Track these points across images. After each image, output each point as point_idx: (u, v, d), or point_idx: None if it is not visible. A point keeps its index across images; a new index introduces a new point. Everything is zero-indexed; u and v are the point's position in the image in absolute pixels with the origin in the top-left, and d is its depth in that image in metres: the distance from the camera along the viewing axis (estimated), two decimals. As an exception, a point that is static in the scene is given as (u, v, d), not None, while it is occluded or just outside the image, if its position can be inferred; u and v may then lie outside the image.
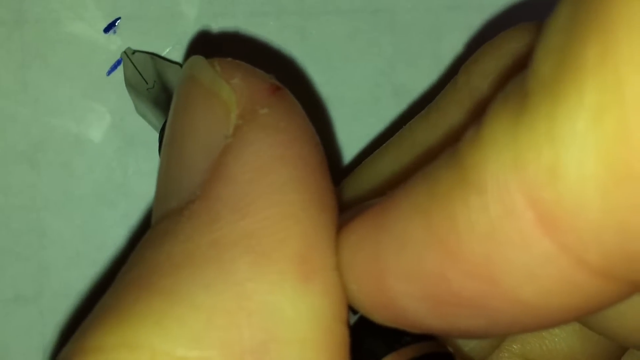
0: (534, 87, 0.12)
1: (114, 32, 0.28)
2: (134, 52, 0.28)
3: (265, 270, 0.14)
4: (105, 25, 0.28)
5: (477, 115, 0.13)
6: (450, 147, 0.14)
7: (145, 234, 0.16)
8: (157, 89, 0.27)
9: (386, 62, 0.29)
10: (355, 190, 0.22)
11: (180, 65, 0.28)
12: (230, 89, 0.16)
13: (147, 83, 0.27)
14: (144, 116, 0.28)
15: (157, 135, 0.28)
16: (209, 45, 0.29)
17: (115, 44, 0.28)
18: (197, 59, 0.17)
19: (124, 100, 0.28)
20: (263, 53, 0.29)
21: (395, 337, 0.18)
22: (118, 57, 0.28)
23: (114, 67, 0.28)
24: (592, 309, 0.13)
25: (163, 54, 0.29)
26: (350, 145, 0.29)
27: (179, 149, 0.17)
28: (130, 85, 0.28)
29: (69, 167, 0.28)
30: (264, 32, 0.29)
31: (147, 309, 0.14)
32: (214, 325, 0.14)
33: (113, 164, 0.28)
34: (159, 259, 0.15)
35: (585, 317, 0.13)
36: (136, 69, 0.27)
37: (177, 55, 0.29)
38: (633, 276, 0.12)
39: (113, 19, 0.28)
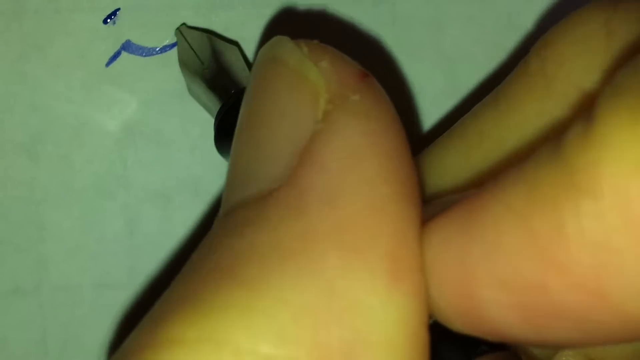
0: None
1: (114, 23, 0.28)
2: (188, 27, 0.27)
3: (357, 267, 0.14)
4: (104, 16, 0.28)
5: (574, 109, 0.12)
6: (549, 144, 0.13)
7: (218, 222, 0.15)
8: (213, 69, 0.26)
9: (387, 54, 0.29)
10: (425, 182, 0.20)
11: (238, 44, 0.27)
12: (318, 72, 0.15)
13: (202, 63, 0.26)
14: (197, 98, 0.27)
15: (156, 127, 0.28)
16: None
17: (115, 35, 0.28)
18: (282, 39, 0.16)
19: (124, 91, 0.28)
20: (263, 45, 0.29)
21: (471, 345, 0.17)
22: (117, 48, 0.28)
23: (113, 58, 0.28)
24: None
25: (162, 45, 0.28)
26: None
27: (260, 132, 0.16)
28: (184, 64, 0.26)
29: (68, 159, 0.28)
30: (264, 23, 0.29)
31: (231, 300, 0.13)
32: (302, 323, 0.13)
33: (112, 156, 0.28)
34: (242, 248, 0.14)
35: None
36: (191, 47, 0.26)
37: (176, 54, 0.28)
38: None
39: (112, 9, 0.28)
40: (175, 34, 0.27)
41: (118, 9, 0.28)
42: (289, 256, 0.14)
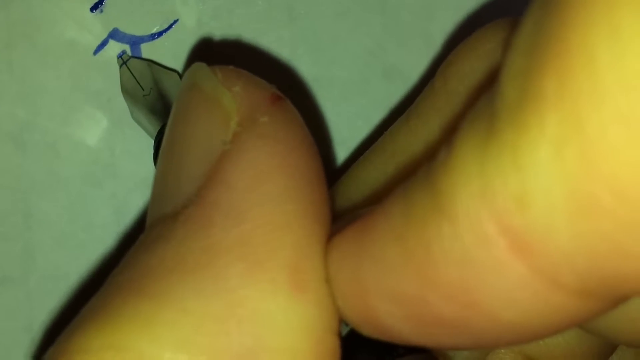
0: (500, 111, 0.12)
1: (101, 11, 0.28)
2: (130, 57, 0.28)
3: (258, 278, 0.14)
4: (92, 4, 0.28)
5: (453, 129, 0.13)
6: (426, 164, 0.13)
7: (139, 238, 0.16)
8: (153, 96, 0.27)
9: (376, 42, 0.29)
10: (344, 197, 0.22)
11: (177, 72, 0.28)
12: (231, 97, 0.16)
13: (143, 90, 0.27)
14: (139, 122, 0.28)
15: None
16: (195, 26, 0.29)
17: (102, 23, 0.28)
18: (199, 66, 0.17)
19: (111, 79, 0.28)
20: (251, 33, 0.29)
21: (388, 349, 0.18)
22: (105, 36, 0.28)
23: (101, 47, 0.28)
24: (574, 323, 0.13)
25: (150, 32, 0.28)
26: (339, 126, 0.29)
27: (177, 154, 0.17)
28: (126, 91, 0.27)
29: (55, 148, 0.28)
30: (252, 12, 0.29)
31: (136, 311, 0.14)
32: (204, 331, 0.14)
33: (100, 145, 0.28)
34: (151, 263, 0.15)
35: (570, 328, 0.13)
36: (132, 75, 0.27)
37: (165, 40, 0.28)
38: (610, 294, 0.12)
39: (99, -3, 0.28)
40: (118, 63, 0.28)
41: (105, -3, 0.28)
42: (193, 269, 0.15)
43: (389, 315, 0.14)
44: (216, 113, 0.16)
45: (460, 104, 0.19)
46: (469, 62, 0.19)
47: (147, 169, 0.28)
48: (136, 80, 0.27)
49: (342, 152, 0.29)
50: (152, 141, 0.28)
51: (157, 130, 0.26)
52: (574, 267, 0.12)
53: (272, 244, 0.15)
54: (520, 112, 0.11)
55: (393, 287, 0.14)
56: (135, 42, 0.28)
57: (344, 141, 0.29)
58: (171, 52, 0.28)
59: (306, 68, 0.29)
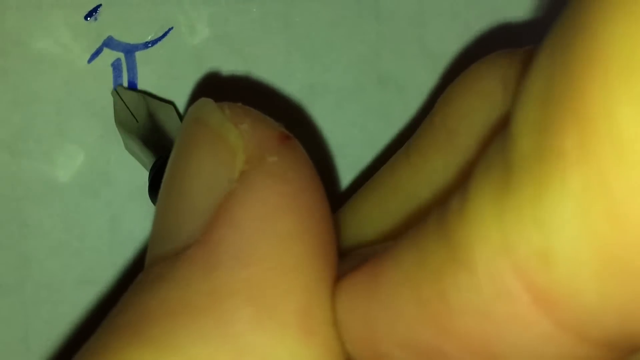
0: (515, 162, 0.12)
1: (95, 19, 0.28)
2: (124, 88, 0.27)
3: (267, 323, 0.14)
4: (86, 12, 0.28)
5: (462, 174, 0.12)
6: (437, 209, 0.13)
7: (138, 277, 0.16)
8: (147, 127, 0.27)
9: (370, 50, 0.29)
10: (344, 234, 0.21)
11: (173, 104, 0.28)
12: (238, 133, 0.16)
13: (137, 121, 0.27)
14: (132, 154, 0.28)
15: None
16: (190, 34, 0.28)
17: (96, 31, 0.28)
18: (206, 101, 0.17)
19: (106, 87, 0.28)
20: (246, 41, 0.29)
21: None
22: (99, 44, 0.28)
23: (95, 55, 0.28)
24: None
25: (144, 41, 0.28)
26: (334, 133, 0.29)
27: (180, 191, 0.16)
28: (119, 122, 0.27)
29: (50, 156, 0.28)
30: (247, 19, 0.29)
31: (140, 357, 0.14)
32: None
33: (95, 153, 0.28)
34: (152, 305, 0.14)
35: None
36: (126, 106, 0.27)
37: (159, 49, 0.28)
38: (635, 344, 0.12)
39: (94, 6, 0.28)
40: (112, 95, 0.28)
41: (99, 5, 0.28)
42: (198, 313, 0.14)
43: None
44: (222, 150, 0.16)
45: (463, 144, 0.18)
46: (467, 101, 0.18)
47: (142, 178, 0.28)
48: (130, 111, 0.27)
49: (337, 160, 0.29)
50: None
51: (151, 162, 0.26)
52: (601, 323, 0.11)
53: (282, 287, 0.14)
54: (540, 167, 0.11)
55: (407, 335, 0.13)
56: (129, 50, 0.28)
57: (340, 148, 0.29)
58: (166, 60, 0.28)
59: (301, 75, 0.29)
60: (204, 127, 0.16)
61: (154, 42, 0.28)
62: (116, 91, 0.27)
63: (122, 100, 0.27)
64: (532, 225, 0.11)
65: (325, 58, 0.29)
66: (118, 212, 0.28)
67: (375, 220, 0.20)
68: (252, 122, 0.16)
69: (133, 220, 0.28)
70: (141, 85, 0.28)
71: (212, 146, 0.16)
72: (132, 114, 0.27)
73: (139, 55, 0.28)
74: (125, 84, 0.28)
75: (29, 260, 0.28)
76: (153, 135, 0.26)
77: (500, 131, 0.13)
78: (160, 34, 0.28)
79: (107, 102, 0.28)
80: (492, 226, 0.12)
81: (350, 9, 0.29)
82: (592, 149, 0.10)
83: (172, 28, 0.28)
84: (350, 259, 0.16)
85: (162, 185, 0.17)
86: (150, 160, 0.26)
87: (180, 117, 0.28)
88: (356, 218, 0.21)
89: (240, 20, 0.29)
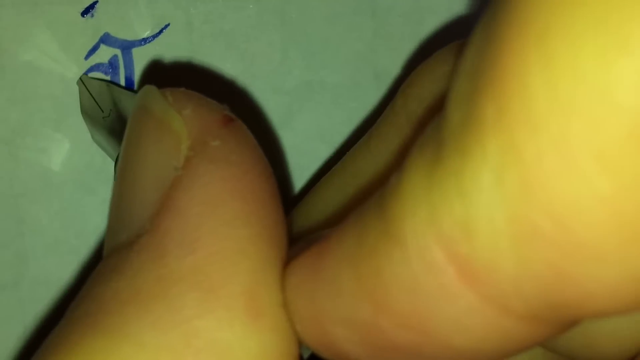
0: (445, 136, 0.12)
1: (92, 15, 0.28)
2: (89, 78, 0.27)
3: (213, 307, 0.14)
4: (82, 8, 0.28)
5: (404, 153, 0.13)
6: (379, 189, 0.13)
7: (95, 268, 0.16)
8: (112, 117, 0.26)
9: (367, 46, 0.29)
10: (304, 219, 0.21)
11: (137, 92, 0.28)
12: (181, 120, 0.16)
13: (102, 111, 0.27)
14: (99, 144, 0.28)
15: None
16: (187, 31, 0.28)
17: (93, 28, 0.28)
18: (149, 89, 0.17)
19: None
20: (242, 37, 0.29)
21: None
22: (96, 40, 0.28)
23: (92, 51, 0.28)
24: (526, 347, 0.13)
25: (141, 37, 0.28)
26: (331, 130, 0.29)
27: (130, 181, 0.16)
28: (86, 113, 0.27)
29: (48, 153, 0.28)
30: (244, 16, 0.29)
31: (92, 348, 0.14)
32: None
33: (92, 150, 0.28)
34: (106, 296, 0.15)
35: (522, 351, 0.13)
36: (92, 96, 0.27)
37: (156, 45, 0.28)
38: (559, 319, 0.12)
39: (91, 2, 0.28)
40: (77, 84, 0.28)
41: (96, 2, 0.28)
42: (148, 301, 0.14)
43: (345, 340, 0.14)
44: (167, 137, 0.16)
45: (419, 126, 0.19)
46: (428, 84, 0.19)
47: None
48: (95, 101, 0.27)
49: (333, 156, 0.29)
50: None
51: (117, 152, 0.26)
52: (521, 293, 0.12)
53: (227, 271, 0.15)
54: (464, 138, 0.11)
55: (348, 312, 0.14)
56: (126, 46, 0.28)
57: (336, 145, 0.29)
58: (162, 57, 0.28)
59: (298, 72, 0.29)
60: (149, 116, 0.16)
61: (150, 38, 0.28)
62: (81, 81, 0.27)
63: (87, 89, 0.27)
64: (455, 196, 0.11)
65: (322, 54, 0.29)
66: (115, 209, 0.28)
67: (334, 205, 0.21)
68: (195, 107, 0.16)
69: (130, 217, 0.28)
70: (138, 81, 0.28)
71: (157, 134, 0.16)
72: (97, 103, 0.27)
73: (135, 51, 0.28)
74: (123, 80, 0.28)
75: (26, 258, 0.28)
76: (118, 125, 0.26)
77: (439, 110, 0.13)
78: (157, 30, 0.28)
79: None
80: (421, 200, 0.12)
81: (346, 6, 0.29)
82: (506, 116, 0.11)
83: (168, 24, 0.28)
84: (302, 243, 0.16)
85: (115, 176, 0.17)
86: (115, 150, 0.26)
87: None
88: (317, 204, 0.21)
89: (236, 16, 0.29)
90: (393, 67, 0.29)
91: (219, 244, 0.15)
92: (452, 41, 0.30)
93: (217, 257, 0.15)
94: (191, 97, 0.16)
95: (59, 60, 0.28)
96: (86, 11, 0.28)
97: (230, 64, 0.29)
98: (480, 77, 0.11)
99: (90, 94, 0.27)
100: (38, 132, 0.28)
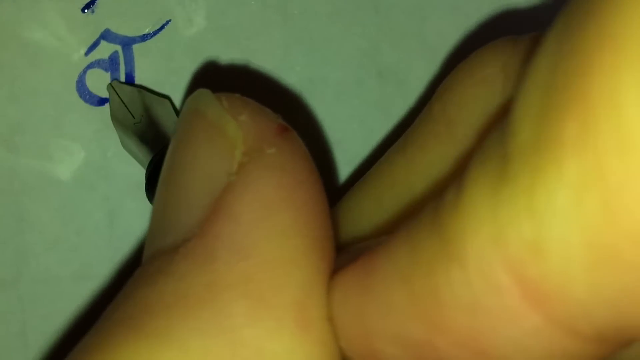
0: (513, 152, 0.11)
1: (92, 11, 0.28)
2: (120, 83, 0.27)
3: (263, 316, 0.14)
4: (83, 4, 0.28)
5: (459, 165, 0.12)
6: (432, 203, 0.13)
7: (136, 271, 0.16)
8: (144, 123, 0.26)
9: (370, 43, 0.29)
10: (341, 229, 0.21)
11: (169, 98, 0.28)
12: (236, 125, 0.16)
13: (134, 117, 0.26)
14: (129, 151, 0.27)
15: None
16: (187, 27, 0.28)
17: (93, 24, 0.28)
18: (204, 92, 0.16)
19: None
20: (244, 34, 0.29)
21: None
22: (96, 37, 0.28)
23: (93, 47, 0.28)
24: None
25: (142, 33, 0.28)
26: (333, 127, 0.29)
27: (178, 184, 0.16)
28: (116, 119, 0.27)
29: (47, 150, 0.28)
30: (246, 12, 0.29)
31: (135, 351, 0.14)
32: None
33: (92, 147, 0.28)
34: (151, 299, 0.14)
35: None
36: (122, 102, 0.27)
37: (157, 41, 0.28)
38: (625, 339, 0.12)
39: (91, -2, 0.28)
40: (107, 90, 0.27)
41: (97, -2, 0.28)
42: (195, 306, 0.14)
43: (393, 358, 0.14)
44: (220, 142, 0.16)
45: (462, 134, 0.18)
46: (468, 89, 0.18)
47: (140, 172, 0.28)
48: (126, 107, 0.27)
49: (336, 153, 0.29)
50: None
51: (148, 159, 0.26)
52: (591, 316, 0.11)
53: (278, 281, 0.14)
54: (537, 156, 0.11)
55: (398, 329, 0.13)
56: (127, 42, 0.28)
57: (339, 142, 0.29)
58: (163, 53, 0.28)
59: (300, 69, 0.29)
60: (202, 119, 0.16)
61: (151, 34, 0.28)
62: (112, 86, 0.27)
63: (118, 95, 0.27)
64: (525, 216, 0.11)
65: (325, 51, 0.29)
66: (115, 206, 0.28)
67: (372, 214, 0.20)
68: (251, 114, 0.16)
69: (131, 215, 0.28)
70: (139, 78, 0.28)
71: (210, 138, 0.16)
72: (128, 109, 0.26)
73: (136, 47, 0.28)
74: (123, 76, 0.28)
75: (26, 255, 0.28)
76: (149, 131, 0.26)
77: (499, 121, 0.12)
78: (158, 26, 0.28)
79: (105, 94, 0.28)
80: (485, 219, 0.12)
81: (349, 2, 0.29)
82: (591, 138, 0.10)
83: (169, 20, 0.28)
84: (345, 254, 0.16)
85: (161, 179, 0.17)
86: (147, 157, 0.26)
87: (177, 112, 0.28)
88: (352, 213, 0.21)
89: (238, 12, 0.29)
90: (396, 64, 0.29)
91: (272, 253, 0.15)
92: (455, 38, 0.29)
93: (269, 266, 0.14)
94: (247, 103, 0.16)
95: (58, 56, 0.28)
96: (87, 7, 0.28)
97: (231, 60, 0.28)
98: (560, 90, 0.11)
99: (121, 99, 0.27)
100: (37, 129, 0.28)
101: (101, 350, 0.14)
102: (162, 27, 0.28)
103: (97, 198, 0.28)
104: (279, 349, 0.14)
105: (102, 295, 0.28)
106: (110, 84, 0.27)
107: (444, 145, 0.19)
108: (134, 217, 0.28)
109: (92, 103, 0.28)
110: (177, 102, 0.28)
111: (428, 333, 0.13)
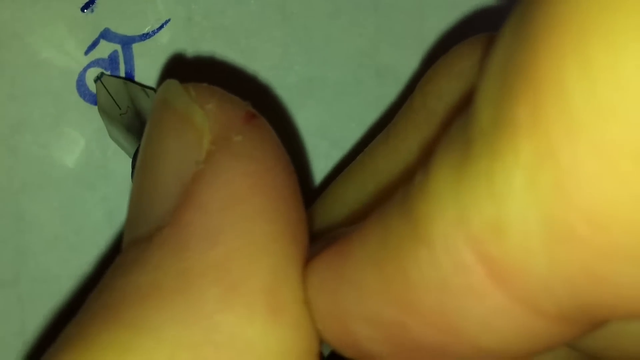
0: (474, 137, 0.12)
1: (92, 10, 0.28)
2: (107, 76, 0.27)
3: (234, 303, 0.14)
4: (82, 4, 0.28)
5: (427, 151, 0.13)
6: (403, 187, 0.13)
7: (115, 261, 0.16)
8: (130, 114, 0.26)
9: (369, 43, 0.29)
10: (323, 216, 0.21)
11: (154, 90, 0.28)
12: (203, 115, 0.16)
13: (120, 108, 0.27)
14: (116, 141, 0.28)
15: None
16: (187, 26, 0.28)
17: (93, 23, 0.28)
18: (171, 83, 0.17)
19: (103, 80, 0.28)
20: (243, 33, 0.29)
21: None
22: (96, 36, 0.28)
23: (92, 47, 0.28)
24: (553, 347, 0.13)
25: (141, 32, 0.28)
26: (332, 126, 0.29)
27: (150, 174, 0.16)
28: (103, 110, 0.27)
29: (47, 149, 0.28)
30: (245, 11, 0.29)
31: (111, 340, 0.14)
32: (181, 359, 0.14)
33: (92, 146, 0.28)
34: (126, 289, 0.15)
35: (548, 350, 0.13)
36: (109, 93, 0.27)
37: (157, 41, 0.28)
38: (589, 319, 0.12)
39: (91, -3, 0.28)
40: (95, 82, 0.27)
41: (96, -3, 0.28)
42: (169, 294, 0.14)
43: (368, 339, 0.14)
44: (188, 132, 0.16)
45: (440, 124, 0.19)
46: (447, 81, 0.19)
47: (139, 171, 0.28)
48: (112, 98, 0.27)
49: (335, 153, 0.29)
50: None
51: (134, 149, 0.26)
52: (553, 294, 0.11)
53: (248, 267, 0.15)
54: (495, 139, 0.11)
55: (372, 311, 0.14)
56: (126, 42, 0.28)
57: (337, 142, 0.29)
58: (163, 52, 0.28)
59: (299, 68, 0.29)
60: (171, 109, 0.16)
61: (151, 33, 0.28)
62: (98, 78, 0.27)
63: (105, 87, 0.27)
64: (485, 196, 0.11)
65: (324, 50, 0.29)
66: (115, 205, 0.28)
67: (353, 202, 0.21)
68: (218, 102, 0.16)
69: (130, 214, 0.28)
70: (138, 77, 0.28)
71: (179, 128, 0.16)
72: (114, 100, 0.27)
73: (136, 47, 0.28)
74: (123, 75, 0.28)
75: (25, 254, 0.28)
76: (135, 122, 0.26)
77: (464, 109, 0.13)
78: (157, 25, 0.28)
79: (104, 94, 0.28)
80: (449, 200, 0.12)
81: (348, 2, 0.29)
82: (542, 121, 0.11)
83: (169, 20, 0.28)
84: (322, 240, 0.16)
85: (135, 169, 0.17)
86: (133, 147, 0.26)
87: None
88: (336, 202, 0.21)
89: (237, 12, 0.29)
90: (395, 63, 0.29)
91: (241, 240, 0.15)
92: (455, 38, 0.29)
93: (238, 253, 0.15)
94: (214, 92, 0.16)
95: (58, 56, 0.28)
96: (86, 6, 0.28)
97: (231, 60, 0.29)
98: (513, 77, 0.11)
99: (108, 91, 0.27)
100: (37, 128, 0.28)
101: (80, 339, 0.14)
102: (161, 26, 0.28)
103: (97, 197, 0.28)
104: (252, 334, 0.14)
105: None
106: (97, 75, 0.27)
107: (423, 134, 0.19)
108: (133, 216, 0.28)
109: (91, 102, 0.28)
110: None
111: (400, 314, 0.13)
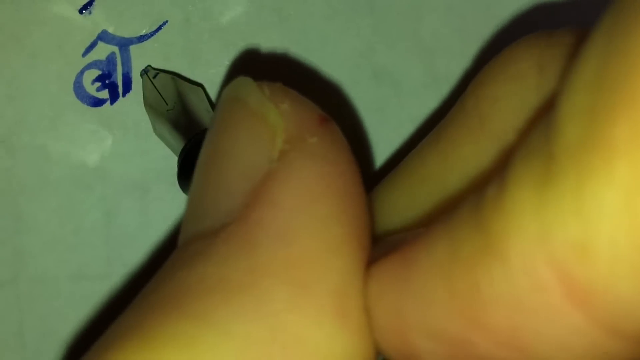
0: (559, 151, 0.11)
1: (90, 12, 0.28)
2: (154, 70, 0.27)
3: (304, 303, 0.14)
4: (80, 6, 0.28)
5: (496, 162, 0.12)
6: (472, 198, 0.13)
7: (173, 253, 0.16)
8: (177, 110, 0.27)
9: (365, 44, 0.29)
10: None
11: (202, 86, 0.28)
12: (278, 113, 0.16)
13: (167, 104, 0.27)
14: (162, 137, 0.28)
15: (134, 118, 0.28)
16: (184, 28, 0.28)
17: (91, 25, 0.28)
18: (245, 80, 0.16)
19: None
20: (240, 34, 0.29)
21: None
22: (94, 37, 0.28)
23: (90, 48, 0.28)
24: None
25: (139, 34, 0.28)
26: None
27: (218, 169, 0.16)
28: (149, 105, 0.27)
29: (45, 150, 0.28)
30: (242, 14, 0.29)
31: (177, 331, 0.14)
32: (246, 355, 0.13)
33: (89, 147, 0.28)
34: (190, 281, 0.14)
35: None
36: (156, 89, 0.27)
37: (154, 42, 0.28)
38: None
39: (88, -1, 0.28)
40: (141, 76, 0.28)
41: (94, -1, 0.28)
42: (236, 290, 0.14)
43: (429, 353, 0.14)
44: (261, 129, 0.16)
45: (496, 130, 0.18)
46: (502, 85, 0.18)
47: (136, 172, 0.28)
48: (160, 94, 0.27)
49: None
50: (142, 142, 0.28)
51: (180, 146, 0.26)
52: (635, 317, 0.11)
53: (319, 269, 0.14)
54: (585, 156, 0.11)
55: (436, 325, 0.13)
56: (124, 43, 0.28)
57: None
58: (160, 54, 0.28)
59: (295, 70, 0.29)
60: (243, 106, 0.16)
61: (148, 35, 0.28)
62: (145, 73, 0.27)
63: (152, 82, 0.27)
64: (571, 216, 0.11)
65: (320, 52, 0.29)
66: (112, 206, 0.28)
67: (403, 208, 0.20)
68: (292, 103, 0.16)
69: (127, 215, 0.28)
70: (136, 79, 0.28)
71: (252, 125, 0.16)
72: (161, 96, 0.27)
73: (133, 48, 0.28)
74: (120, 78, 0.28)
75: (23, 255, 0.28)
76: (183, 118, 0.26)
77: (541, 117, 0.12)
78: (155, 27, 0.28)
79: (101, 96, 0.28)
80: (530, 216, 0.11)
81: (345, 3, 0.29)
82: None
83: (166, 22, 0.28)
84: (379, 246, 0.15)
85: (198, 164, 0.17)
86: (179, 144, 0.26)
87: (209, 100, 0.28)
88: (384, 206, 0.21)
89: (234, 14, 0.29)
90: (392, 64, 0.29)
91: (314, 241, 0.15)
92: (451, 39, 0.30)
93: (310, 254, 0.14)
94: (288, 92, 0.16)
95: (56, 57, 0.28)
96: (84, 8, 0.28)
97: (228, 61, 0.29)
98: (610, 92, 0.11)
99: (155, 86, 0.27)
100: (34, 130, 0.28)
101: (140, 329, 0.14)
102: (159, 28, 0.28)
103: (94, 198, 0.28)
104: (319, 336, 0.14)
105: (99, 295, 0.28)
106: (143, 69, 0.27)
107: (477, 140, 0.18)
108: (130, 217, 0.28)
109: (89, 104, 0.28)
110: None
111: (467, 329, 0.13)
